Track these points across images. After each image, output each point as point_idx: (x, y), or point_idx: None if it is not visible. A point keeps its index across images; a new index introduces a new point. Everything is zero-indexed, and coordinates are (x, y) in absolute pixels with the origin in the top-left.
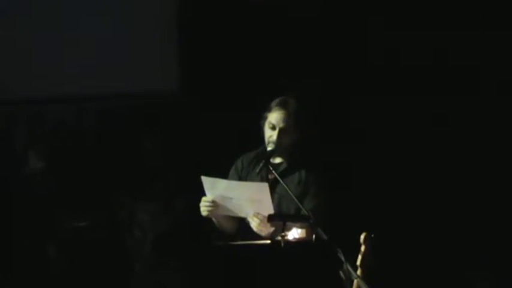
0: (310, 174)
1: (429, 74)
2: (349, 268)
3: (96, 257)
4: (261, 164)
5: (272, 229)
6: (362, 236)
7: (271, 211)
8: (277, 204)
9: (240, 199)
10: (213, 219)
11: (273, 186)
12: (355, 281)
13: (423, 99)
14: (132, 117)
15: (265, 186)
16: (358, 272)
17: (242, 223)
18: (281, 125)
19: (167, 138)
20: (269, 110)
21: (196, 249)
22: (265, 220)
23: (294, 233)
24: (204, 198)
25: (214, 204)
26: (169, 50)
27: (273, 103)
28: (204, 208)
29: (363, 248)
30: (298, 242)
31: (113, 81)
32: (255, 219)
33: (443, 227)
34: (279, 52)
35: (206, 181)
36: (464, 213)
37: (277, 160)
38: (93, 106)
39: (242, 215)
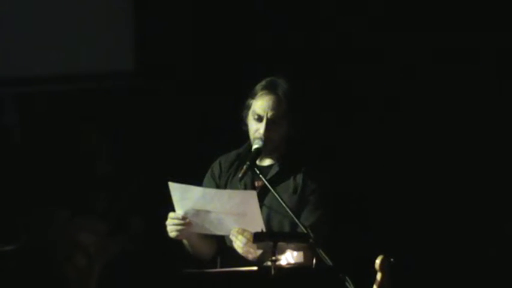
0: (309, 180)
1: None
2: None
3: None
4: (244, 167)
5: (260, 251)
6: (378, 261)
7: (261, 227)
8: (266, 219)
9: (220, 212)
10: (184, 241)
11: (261, 196)
12: None
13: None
14: (72, 105)
15: (252, 195)
16: None
17: (222, 243)
18: (269, 114)
19: (119, 133)
20: (253, 95)
21: (159, 281)
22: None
23: (288, 257)
24: (171, 215)
25: (185, 222)
26: (123, 24)
27: (258, 86)
28: (172, 227)
29: (379, 276)
30: (293, 268)
31: (45, 60)
32: (240, 237)
33: (481, 252)
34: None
35: (175, 189)
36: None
37: (266, 162)
38: (15, 92)
39: (222, 232)
